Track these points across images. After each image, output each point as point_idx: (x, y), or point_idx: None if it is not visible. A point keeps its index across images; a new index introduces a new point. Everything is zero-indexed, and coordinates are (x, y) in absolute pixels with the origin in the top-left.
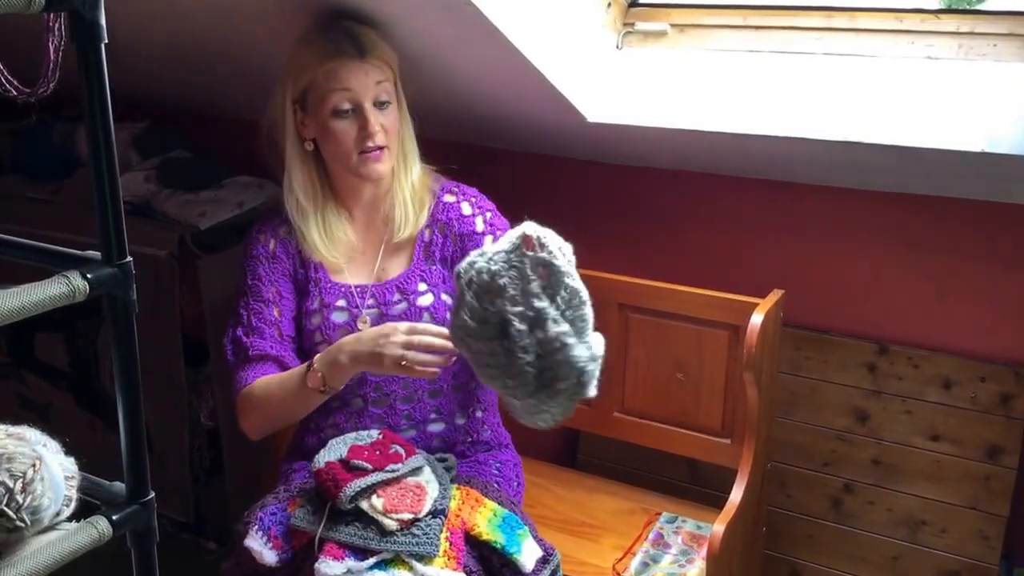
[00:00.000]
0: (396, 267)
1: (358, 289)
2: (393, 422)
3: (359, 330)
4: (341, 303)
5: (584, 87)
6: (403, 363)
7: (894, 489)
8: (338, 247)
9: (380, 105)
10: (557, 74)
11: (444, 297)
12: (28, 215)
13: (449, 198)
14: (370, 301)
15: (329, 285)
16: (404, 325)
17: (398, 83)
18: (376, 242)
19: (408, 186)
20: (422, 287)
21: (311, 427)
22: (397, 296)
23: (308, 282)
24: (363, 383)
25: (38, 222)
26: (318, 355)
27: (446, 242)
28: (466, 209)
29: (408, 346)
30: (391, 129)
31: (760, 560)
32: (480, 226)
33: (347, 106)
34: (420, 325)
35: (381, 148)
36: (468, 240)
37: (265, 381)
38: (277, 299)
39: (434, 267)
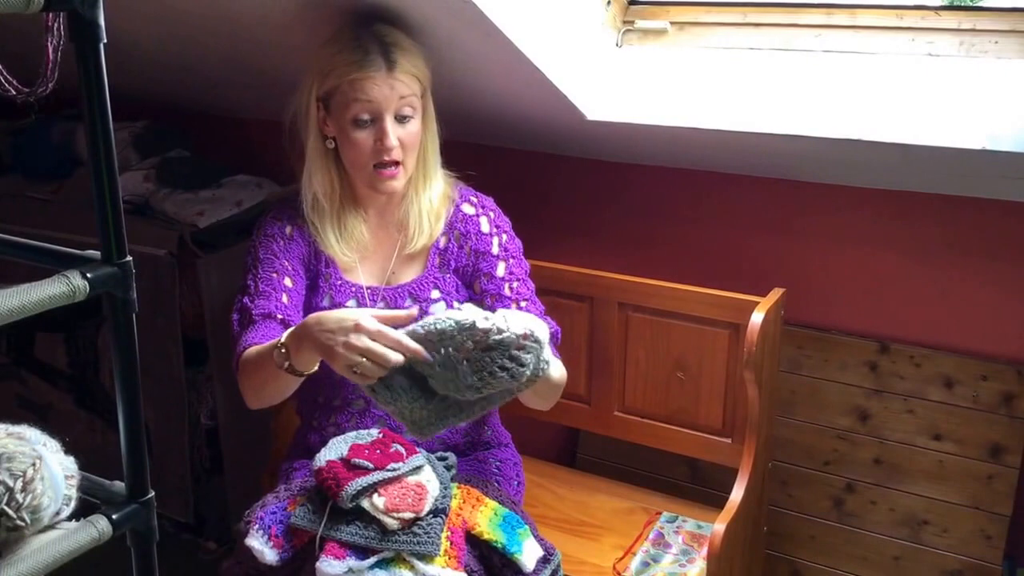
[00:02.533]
0: (409, 272)
1: (369, 291)
2: (395, 423)
3: None
4: (351, 303)
5: (584, 85)
6: (355, 371)
7: (896, 488)
8: (351, 245)
9: (401, 120)
10: (557, 72)
11: (456, 306)
12: (27, 214)
13: (468, 209)
14: (380, 304)
15: (340, 283)
16: (372, 324)
17: (427, 95)
18: (390, 245)
19: (426, 200)
20: (435, 294)
21: (313, 426)
22: (409, 301)
23: (319, 276)
24: None
25: (37, 221)
26: (290, 329)
27: (461, 252)
28: (484, 226)
29: (367, 352)
30: (409, 144)
31: (761, 560)
32: (495, 248)
33: (367, 117)
34: (389, 332)
35: (396, 163)
36: (482, 259)
37: (255, 347)
38: (292, 272)
39: (448, 275)
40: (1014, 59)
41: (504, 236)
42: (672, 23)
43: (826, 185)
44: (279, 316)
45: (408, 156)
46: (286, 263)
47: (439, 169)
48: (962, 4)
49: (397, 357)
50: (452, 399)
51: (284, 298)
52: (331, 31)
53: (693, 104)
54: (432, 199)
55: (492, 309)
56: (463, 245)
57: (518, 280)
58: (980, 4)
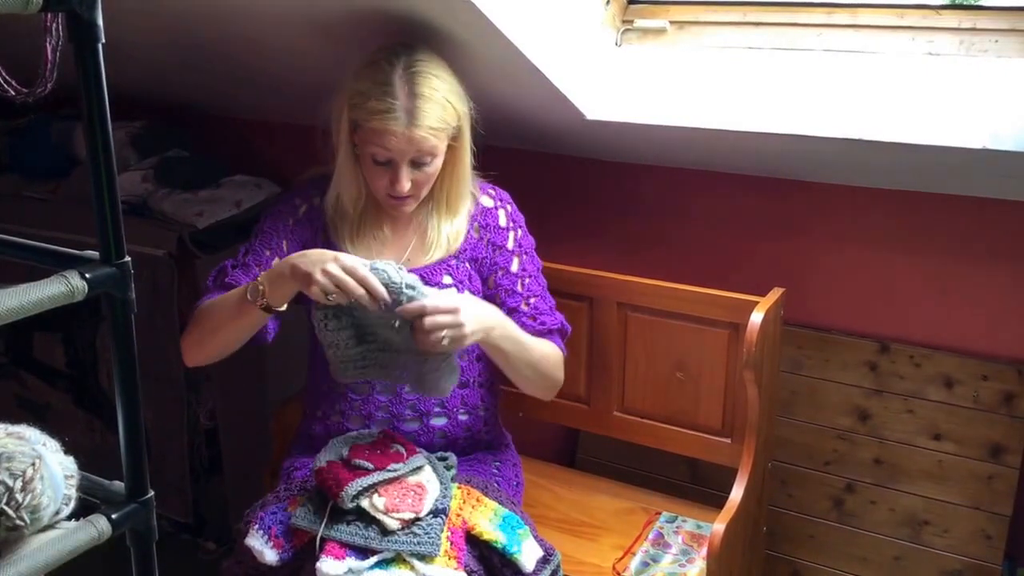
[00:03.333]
0: (423, 259)
1: None
2: (397, 411)
3: None
4: None
5: (583, 84)
6: (329, 297)
7: (896, 489)
8: (366, 243)
9: (418, 166)
10: (556, 71)
11: (467, 294)
12: (26, 214)
13: (487, 202)
14: None
15: None
16: (349, 259)
17: (462, 131)
18: (407, 238)
19: (448, 225)
20: (447, 280)
21: (317, 416)
22: None
23: None
24: None
25: (36, 221)
26: (267, 270)
27: (479, 243)
28: (502, 220)
29: (339, 283)
30: (424, 183)
31: (761, 560)
32: (511, 243)
33: (383, 159)
34: (360, 269)
35: (408, 196)
36: (499, 253)
37: (217, 298)
38: (284, 254)
39: (463, 264)
40: (1014, 58)
41: (519, 231)
42: (671, 22)
43: (826, 185)
44: None
45: (421, 190)
46: (283, 243)
47: (468, 197)
48: (962, 3)
49: (362, 292)
50: (378, 352)
51: None
52: (333, 29)
53: (693, 104)
54: (455, 223)
55: (504, 304)
56: (482, 236)
57: (530, 276)
58: (980, 3)
